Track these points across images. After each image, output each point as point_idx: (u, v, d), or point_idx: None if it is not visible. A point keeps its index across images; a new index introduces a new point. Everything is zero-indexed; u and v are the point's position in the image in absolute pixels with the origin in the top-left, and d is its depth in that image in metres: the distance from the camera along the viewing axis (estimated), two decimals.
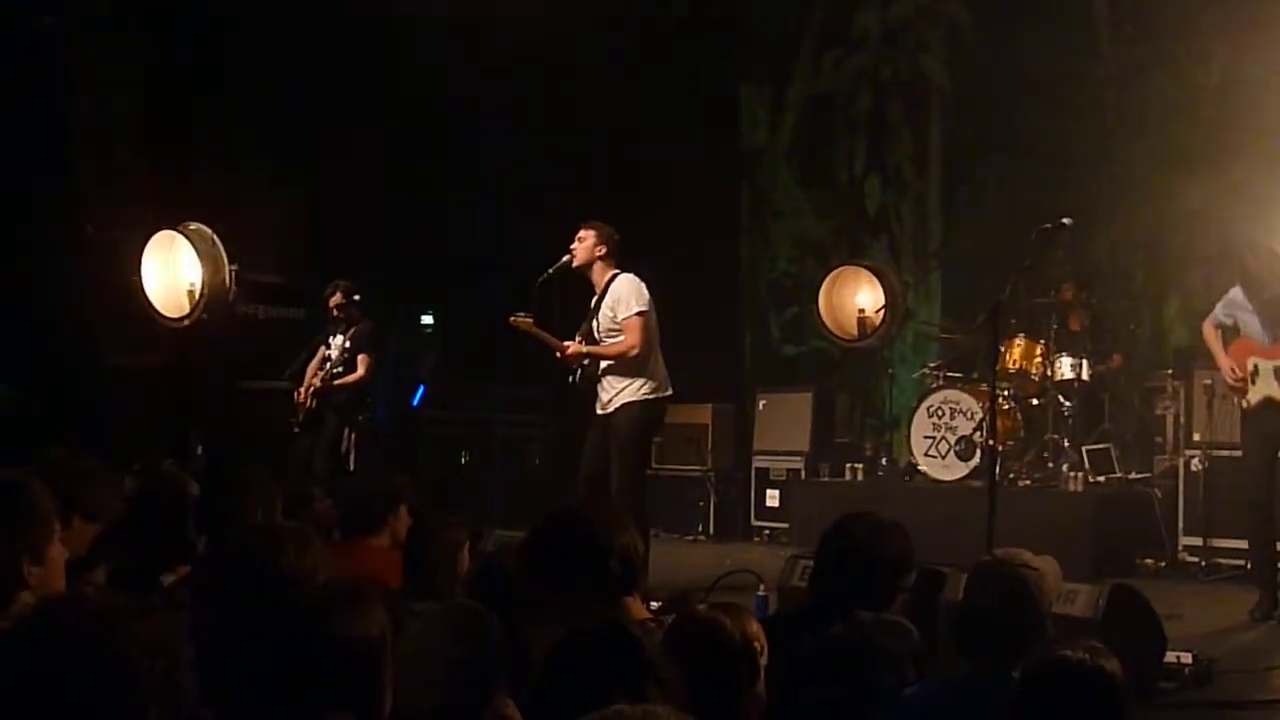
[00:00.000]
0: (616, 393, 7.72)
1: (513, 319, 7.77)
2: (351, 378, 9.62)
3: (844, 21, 12.55)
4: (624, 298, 7.72)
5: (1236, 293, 7.51)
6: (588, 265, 7.81)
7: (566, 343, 7.79)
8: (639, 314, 7.68)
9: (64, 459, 4.25)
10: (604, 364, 7.75)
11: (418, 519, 4.91)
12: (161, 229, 9.37)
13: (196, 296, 9.10)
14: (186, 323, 9.21)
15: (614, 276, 7.81)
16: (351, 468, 9.62)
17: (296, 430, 9.60)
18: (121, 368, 10.23)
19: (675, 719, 1.66)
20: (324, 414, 9.62)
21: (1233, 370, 7.47)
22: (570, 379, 7.85)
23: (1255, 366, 7.39)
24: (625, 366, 7.72)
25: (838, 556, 3.99)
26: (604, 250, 7.79)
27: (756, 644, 3.08)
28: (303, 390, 9.63)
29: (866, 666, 3.53)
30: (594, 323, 7.80)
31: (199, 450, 8.78)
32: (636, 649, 2.73)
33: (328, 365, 9.56)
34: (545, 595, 3.47)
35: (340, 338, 9.60)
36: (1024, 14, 10.99)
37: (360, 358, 9.64)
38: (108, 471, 4.40)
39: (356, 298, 9.72)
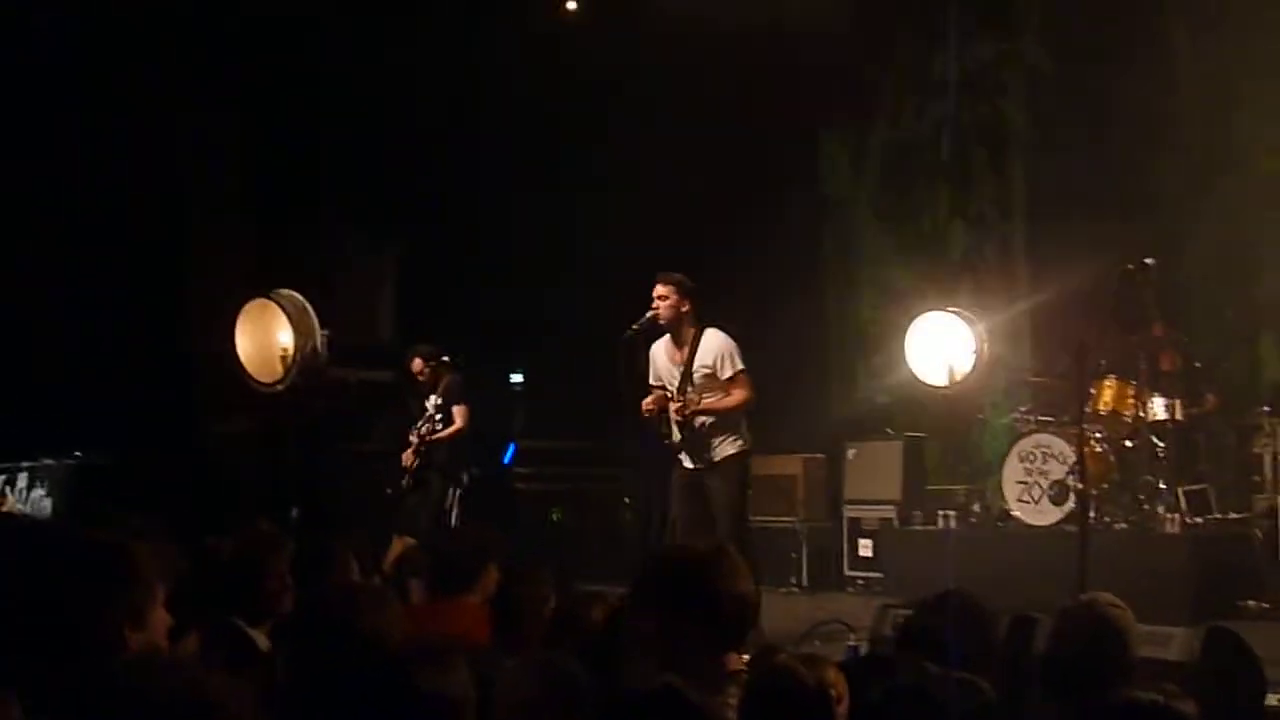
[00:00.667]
0: (716, 448, 7.79)
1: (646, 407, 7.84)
2: (450, 430, 9.77)
3: (923, 67, 12.56)
4: (727, 354, 7.81)
5: None
6: (675, 322, 7.87)
7: (675, 401, 7.84)
8: (744, 370, 7.79)
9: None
10: (703, 420, 7.81)
11: (506, 575, 4.96)
12: (256, 296, 9.60)
13: (289, 361, 9.30)
14: (280, 387, 9.41)
15: (701, 331, 7.88)
16: (453, 525, 9.75)
17: (403, 492, 9.77)
18: (220, 432, 10.44)
19: None
20: (428, 475, 9.77)
21: None
22: (669, 437, 7.89)
23: None
24: (726, 422, 7.80)
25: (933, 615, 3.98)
26: (688, 306, 7.86)
27: (833, 691, 3.08)
28: (408, 453, 9.78)
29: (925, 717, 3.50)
30: (688, 378, 7.85)
31: (294, 512, 8.91)
32: (685, 707, 2.72)
33: (424, 425, 9.72)
34: (651, 640, 3.36)
35: (433, 397, 9.76)
36: (1103, 53, 10.94)
37: (455, 409, 9.79)
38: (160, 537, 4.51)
39: (445, 358, 9.88)
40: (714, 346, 7.83)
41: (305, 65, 10.98)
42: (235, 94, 11.03)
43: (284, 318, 9.35)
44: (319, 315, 9.42)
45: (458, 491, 9.91)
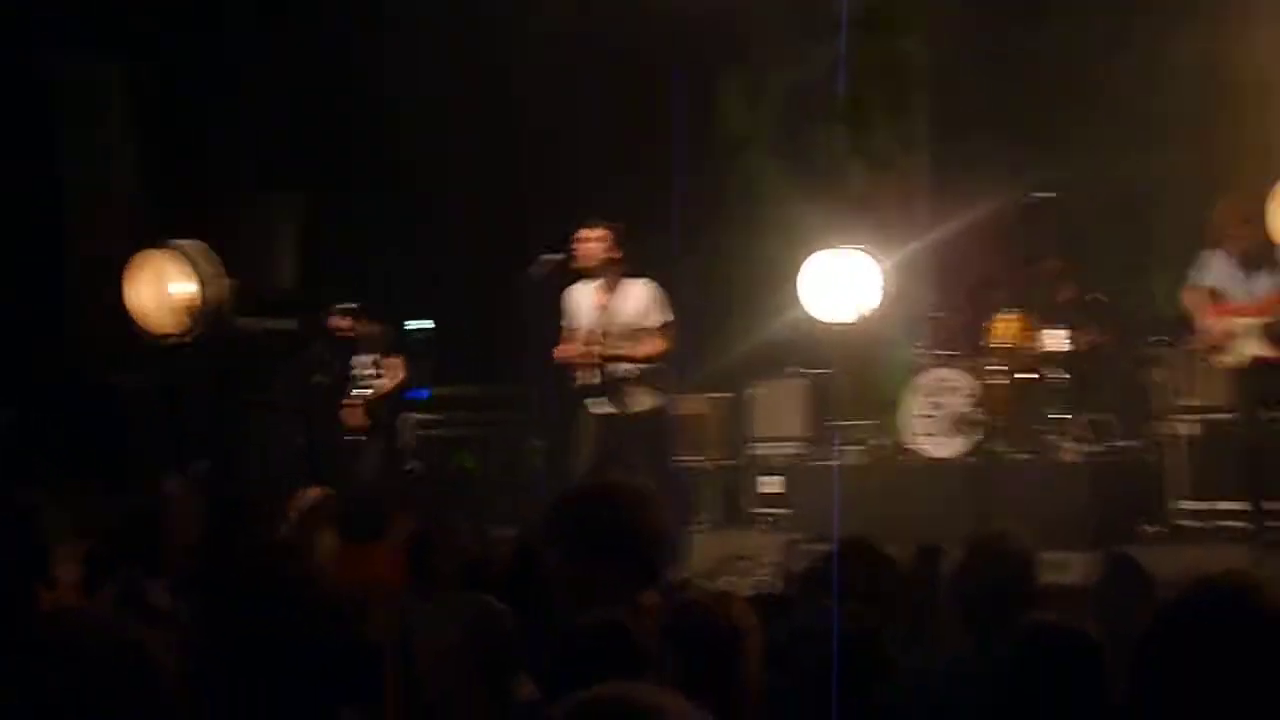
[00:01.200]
0: (633, 397, 7.80)
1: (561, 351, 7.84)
2: (394, 383, 9.72)
3: (821, 4, 12.57)
4: (655, 302, 7.81)
5: (1207, 254, 7.77)
6: (602, 268, 7.83)
7: (591, 343, 7.83)
8: (671, 323, 7.80)
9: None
10: (625, 366, 7.80)
11: (420, 522, 4.98)
12: (155, 244, 9.45)
13: (192, 311, 9.19)
14: (187, 339, 9.29)
15: (625, 278, 7.87)
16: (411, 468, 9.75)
17: (352, 450, 9.70)
18: (120, 385, 10.28)
19: (650, 694, 1.70)
20: (375, 433, 9.72)
21: (1213, 330, 7.65)
22: (587, 381, 7.88)
23: (1237, 326, 7.56)
24: (646, 372, 7.81)
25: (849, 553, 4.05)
26: (619, 254, 7.84)
27: (742, 627, 3.14)
28: (358, 412, 9.69)
29: (824, 653, 3.56)
30: (610, 323, 7.84)
31: (202, 466, 8.84)
32: (632, 641, 2.79)
33: (363, 384, 9.66)
34: (563, 578, 3.33)
35: (363, 356, 9.70)
36: None
37: (389, 361, 9.73)
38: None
39: (353, 310, 9.82)
40: (643, 294, 7.83)
41: (197, 5, 10.75)
42: (119, 33, 10.72)
43: (186, 267, 9.23)
44: (220, 263, 9.31)
45: (406, 437, 9.88)
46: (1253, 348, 7.51)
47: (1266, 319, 7.57)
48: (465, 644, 3.07)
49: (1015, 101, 10.96)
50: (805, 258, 10.82)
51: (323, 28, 10.97)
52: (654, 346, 7.80)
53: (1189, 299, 7.92)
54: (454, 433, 11.45)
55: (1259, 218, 7.53)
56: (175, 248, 9.27)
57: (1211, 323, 7.73)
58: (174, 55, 10.73)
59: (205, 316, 9.16)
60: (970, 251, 9.85)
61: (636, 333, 7.80)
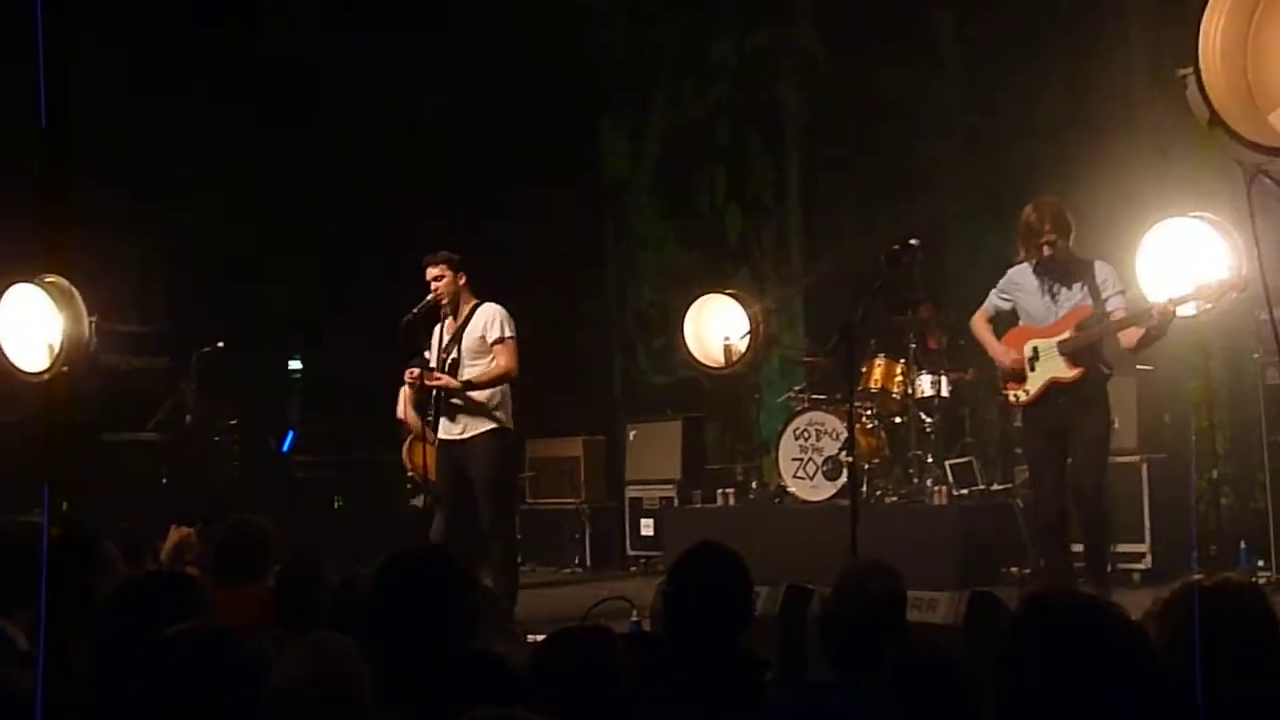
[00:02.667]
0: (471, 421, 7.78)
1: (421, 379, 7.79)
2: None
3: (701, 51, 12.74)
4: (495, 321, 7.85)
5: (1015, 271, 7.23)
6: (454, 299, 7.90)
7: (438, 375, 7.84)
8: (513, 338, 7.83)
9: None
10: (468, 393, 7.81)
11: (289, 564, 4.92)
12: (17, 281, 9.22)
13: (56, 349, 8.97)
14: (46, 376, 9.07)
15: (476, 305, 7.93)
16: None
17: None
18: None
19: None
20: None
21: (1008, 353, 7.11)
22: (429, 409, 7.89)
23: (1035, 350, 7.04)
24: (484, 396, 7.80)
25: (684, 589, 4.08)
26: (464, 279, 7.92)
27: (619, 662, 3.17)
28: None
29: (710, 692, 3.59)
30: (456, 350, 7.86)
31: (64, 506, 8.61)
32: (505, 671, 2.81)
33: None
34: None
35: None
36: (873, 39, 11.26)
37: None
38: None
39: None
40: (486, 315, 7.89)
41: (70, 32, 10.56)
42: None
43: (50, 303, 9.01)
44: (86, 301, 9.11)
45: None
46: (1054, 370, 6.93)
47: (1061, 336, 6.97)
48: (310, 681, 3.05)
49: (887, 149, 11.17)
50: (683, 302, 10.90)
51: (192, 61, 10.85)
52: (498, 365, 7.80)
53: (979, 325, 7.43)
54: (327, 474, 11.32)
55: (1064, 224, 6.91)
56: (40, 284, 9.05)
57: (999, 349, 7.24)
58: (34, 78, 10.51)
59: (70, 354, 8.94)
60: (843, 296, 9.99)
61: (480, 353, 7.82)
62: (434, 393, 7.85)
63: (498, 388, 7.85)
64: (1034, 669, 2.21)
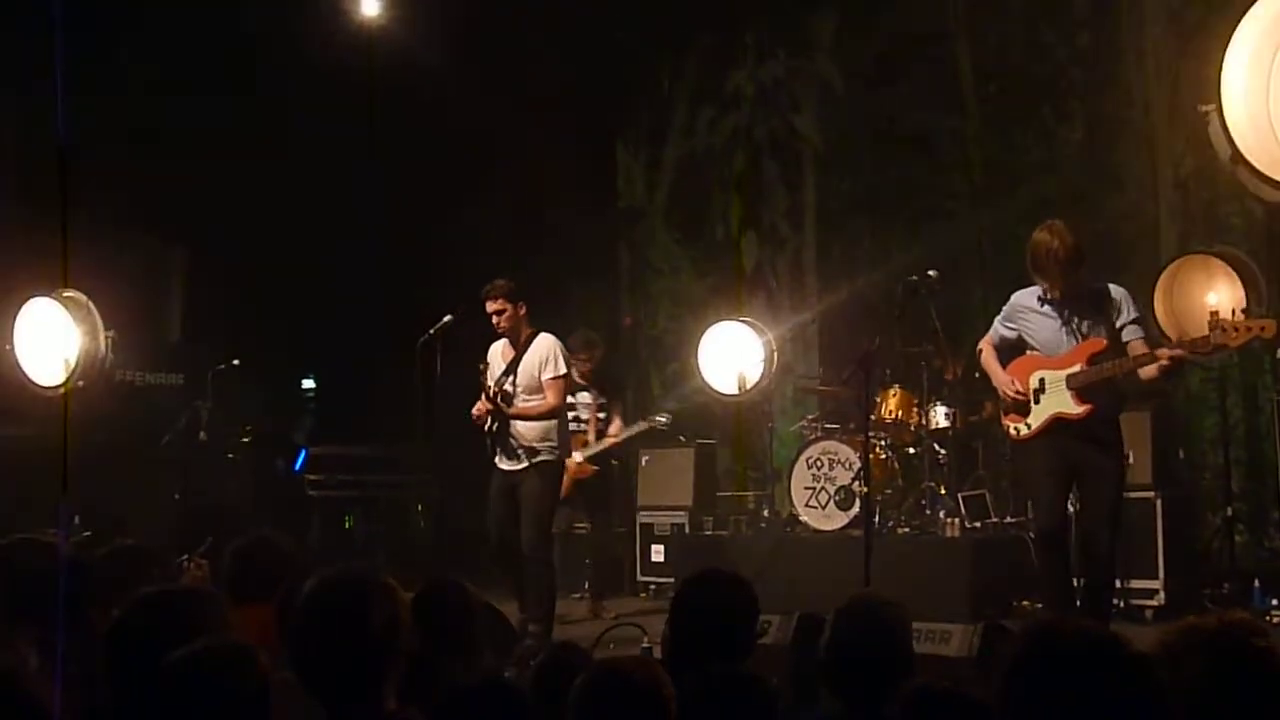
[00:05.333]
0: (528, 451, 7.86)
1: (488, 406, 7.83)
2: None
3: (719, 80, 12.78)
4: (551, 358, 7.92)
5: (1020, 296, 6.84)
6: (515, 329, 7.94)
7: (483, 401, 7.89)
8: (565, 376, 7.90)
9: None
10: (520, 422, 7.87)
11: (296, 582, 4.90)
12: (35, 296, 9.27)
13: (72, 364, 9.01)
14: (62, 390, 9.10)
15: (534, 335, 8.00)
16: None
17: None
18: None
19: None
20: None
21: (1012, 383, 6.68)
22: (488, 434, 7.92)
23: (1041, 381, 6.63)
24: (540, 427, 7.88)
25: (690, 615, 4.09)
26: (524, 309, 7.97)
27: (666, 690, 3.18)
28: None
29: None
30: (511, 382, 7.92)
31: (76, 520, 8.63)
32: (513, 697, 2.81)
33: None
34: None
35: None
36: (892, 73, 11.31)
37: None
38: None
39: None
40: (541, 348, 7.97)
41: (86, 53, 10.61)
42: (5, 76, 10.54)
43: (66, 318, 9.06)
44: (102, 316, 9.15)
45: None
46: (1061, 405, 6.53)
47: (1071, 370, 6.52)
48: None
49: (905, 181, 11.20)
50: (698, 330, 10.91)
51: (208, 80, 10.90)
52: (545, 402, 7.88)
53: (986, 354, 7.00)
54: (343, 493, 11.32)
55: (1080, 248, 6.46)
56: (57, 299, 9.10)
57: (1002, 378, 6.80)
58: (57, 103, 10.55)
59: (85, 369, 8.98)
60: (857, 326, 9.99)
61: (535, 389, 7.89)
62: (491, 424, 7.89)
63: (553, 422, 7.92)
64: (1036, 703, 2.19)
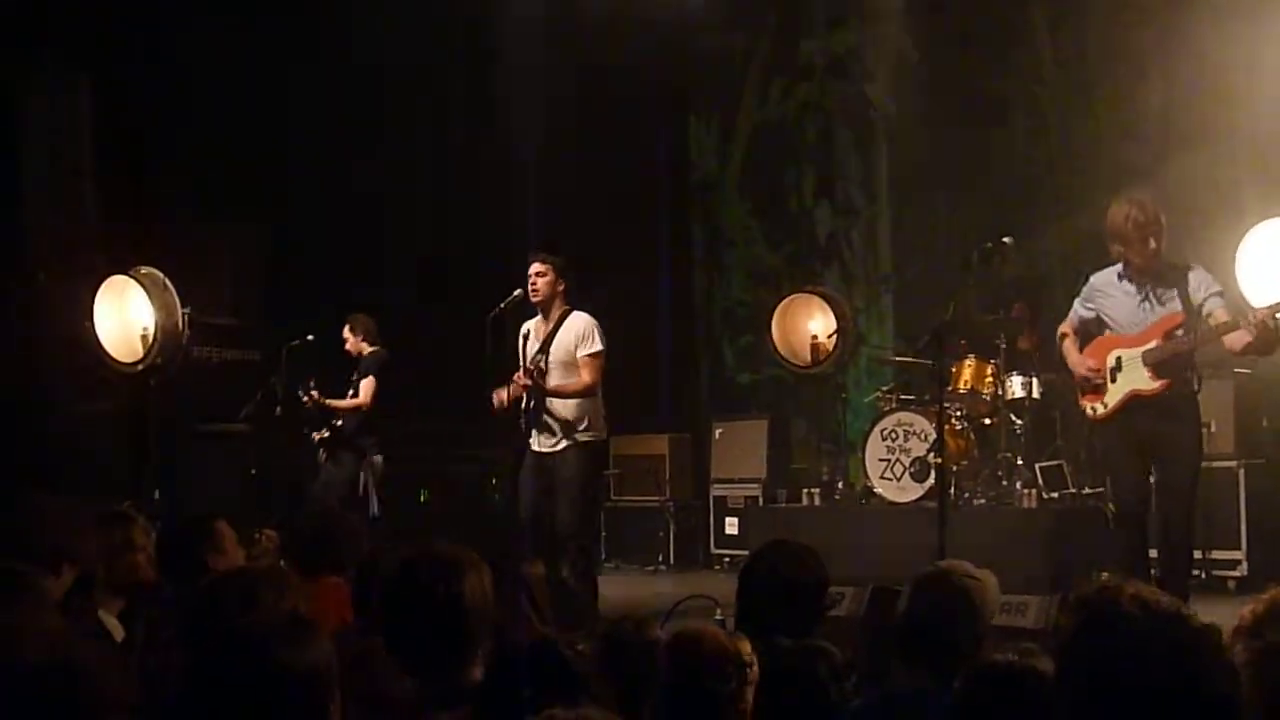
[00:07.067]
0: (563, 432, 7.76)
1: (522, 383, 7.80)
2: (348, 402, 9.62)
3: (791, 50, 12.68)
4: (586, 335, 7.79)
5: (1099, 277, 6.80)
6: (549, 300, 7.85)
7: (519, 377, 7.83)
8: (601, 352, 7.78)
9: (56, 507, 4.28)
10: (554, 401, 7.78)
11: (367, 555, 4.93)
12: (113, 274, 9.38)
13: (150, 341, 9.12)
14: (140, 367, 9.22)
15: (568, 312, 7.88)
16: (374, 510, 9.60)
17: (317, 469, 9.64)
18: (77, 414, 10.18)
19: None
20: (339, 454, 9.61)
21: (1085, 363, 6.68)
22: (519, 413, 7.87)
23: (1118, 360, 6.58)
24: (577, 405, 7.78)
25: (757, 586, 4.06)
26: (563, 285, 7.86)
27: (750, 663, 3.17)
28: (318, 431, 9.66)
29: (785, 692, 3.56)
30: (544, 360, 7.82)
31: (155, 494, 8.74)
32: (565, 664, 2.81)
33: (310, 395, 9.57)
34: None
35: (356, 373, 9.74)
36: (967, 40, 11.16)
37: (363, 383, 9.65)
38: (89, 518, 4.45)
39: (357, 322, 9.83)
40: (577, 326, 7.82)
41: (168, 30, 10.69)
42: (85, 56, 10.64)
43: (144, 295, 9.17)
44: (180, 293, 9.25)
45: (371, 471, 9.74)
46: (1137, 382, 6.47)
47: (1148, 346, 6.46)
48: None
49: (980, 149, 11.06)
50: (772, 300, 10.86)
51: (289, 59, 10.95)
52: (580, 380, 7.78)
53: (1065, 340, 6.95)
54: (412, 467, 11.37)
55: (1157, 224, 6.37)
56: (135, 276, 9.21)
57: (1077, 360, 6.78)
58: (137, 82, 10.67)
59: (163, 346, 9.08)
60: (933, 296, 9.88)
61: (570, 365, 7.80)
62: (526, 402, 7.82)
63: (589, 399, 7.82)
64: (1094, 674, 2.12)
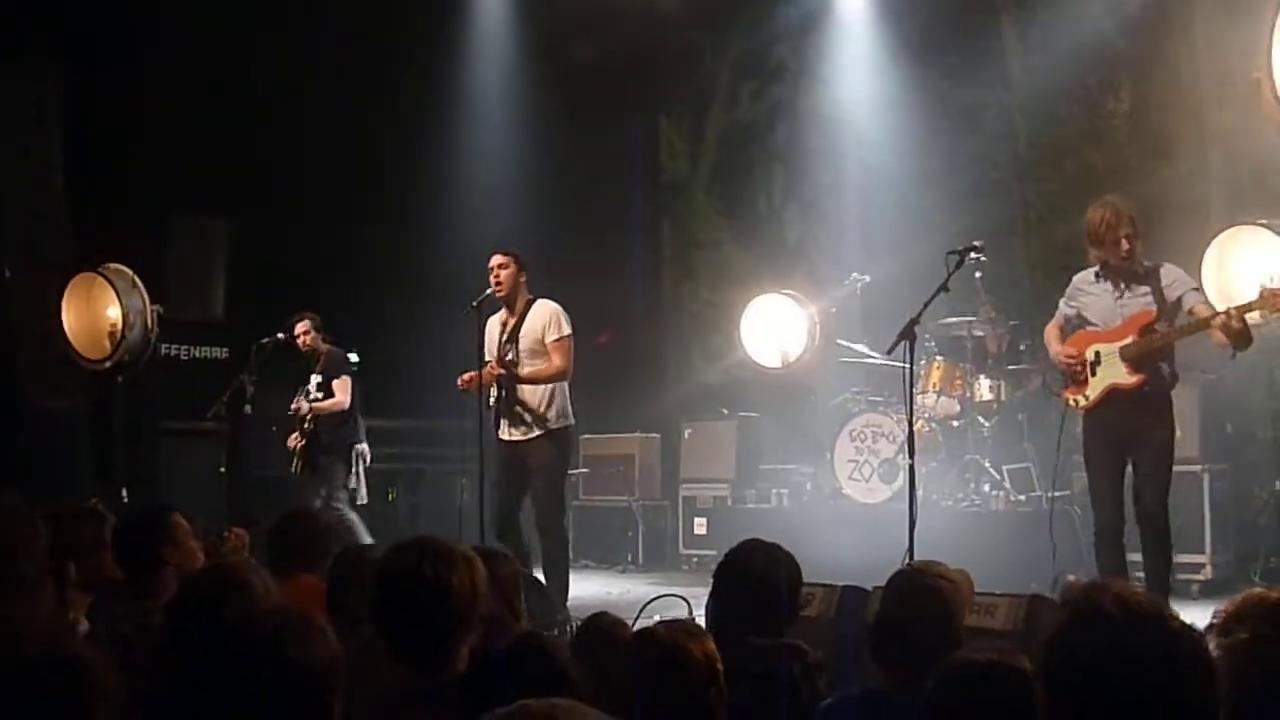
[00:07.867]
0: (534, 420, 7.82)
1: (495, 372, 7.82)
2: (330, 403, 9.58)
3: (760, 54, 12.71)
4: (553, 321, 7.87)
5: (1079, 277, 6.93)
6: (512, 293, 7.93)
7: (492, 366, 7.87)
8: (569, 336, 7.85)
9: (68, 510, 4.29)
10: (525, 391, 7.84)
11: (340, 554, 4.93)
12: (82, 270, 9.34)
13: (118, 337, 9.08)
14: (108, 364, 9.19)
15: (532, 301, 7.96)
16: (362, 497, 9.57)
17: (297, 477, 9.54)
18: (44, 410, 10.13)
19: (579, 712, 1.71)
20: (318, 460, 9.54)
21: (1067, 355, 6.79)
22: (490, 403, 7.90)
23: (1096, 354, 6.72)
24: (547, 394, 7.83)
25: (731, 585, 4.07)
26: (524, 277, 7.94)
27: (718, 664, 3.18)
28: (293, 436, 9.58)
29: (762, 691, 3.57)
30: (514, 350, 7.88)
31: (124, 492, 8.70)
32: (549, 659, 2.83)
33: (301, 401, 9.52)
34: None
35: (314, 374, 9.63)
36: (936, 45, 11.21)
37: (335, 383, 9.61)
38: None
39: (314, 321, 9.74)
40: (543, 313, 7.92)
41: (131, 27, 10.64)
42: (54, 52, 10.57)
43: (111, 293, 9.13)
44: (148, 290, 9.22)
45: (358, 468, 9.70)
46: (1115, 376, 6.64)
47: (1124, 341, 6.62)
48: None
49: (949, 153, 11.10)
50: (740, 302, 10.88)
51: (257, 55, 10.92)
52: (552, 364, 7.83)
53: (1050, 334, 7.10)
54: (382, 465, 11.35)
55: (1130, 226, 6.54)
56: (103, 273, 9.17)
57: (1058, 350, 6.91)
58: (106, 78, 10.62)
59: (131, 343, 9.05)
60: (901, 299, 9.92)
61: (539, 353, 7.84)
62: (498, 392, 7.86)
63: (556, 386, 7.87)
64: (1076, 672, 2.15)
